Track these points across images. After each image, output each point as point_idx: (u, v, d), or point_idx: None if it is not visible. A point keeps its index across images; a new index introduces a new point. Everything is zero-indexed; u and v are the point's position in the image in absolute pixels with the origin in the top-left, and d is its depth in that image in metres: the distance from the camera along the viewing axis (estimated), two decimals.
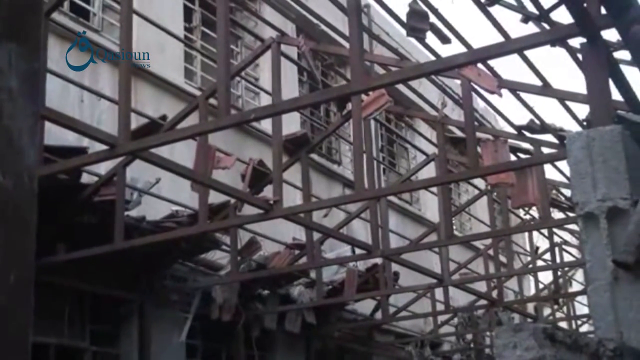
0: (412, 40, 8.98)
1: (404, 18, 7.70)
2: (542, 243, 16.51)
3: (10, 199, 1.27)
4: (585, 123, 6.84)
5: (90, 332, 9.70)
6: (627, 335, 3.54)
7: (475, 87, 8.07)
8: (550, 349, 2.58)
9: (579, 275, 18.53)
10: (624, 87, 5.88)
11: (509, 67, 8.41)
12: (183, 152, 9.45)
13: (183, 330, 10.33)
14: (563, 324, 16.59)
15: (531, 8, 6.84)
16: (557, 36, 5.58)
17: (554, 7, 6.19)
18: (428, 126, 15.46)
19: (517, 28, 7.24)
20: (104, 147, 6.65)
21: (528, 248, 16.00)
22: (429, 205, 17.03)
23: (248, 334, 11.48)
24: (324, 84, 14.57)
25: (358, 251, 11.45)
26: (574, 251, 17.13)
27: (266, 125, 11.86)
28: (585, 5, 5.21)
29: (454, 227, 13.64)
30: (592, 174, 3.82)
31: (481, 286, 13.90)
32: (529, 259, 17.10)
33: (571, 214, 12.52)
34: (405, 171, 16.09)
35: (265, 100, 12.56)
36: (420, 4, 7.15)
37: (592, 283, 3.72)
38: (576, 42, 7.42)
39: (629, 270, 3.63)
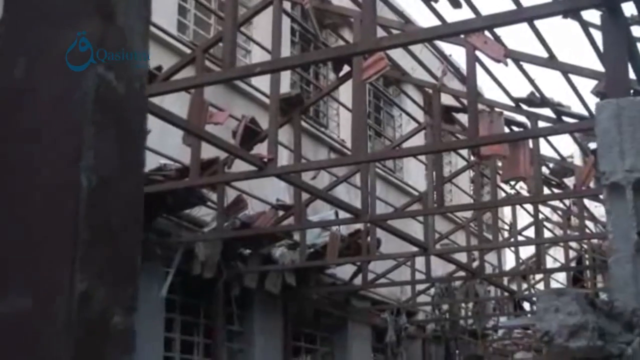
0: (411, 6, 8.86)
1: None
2: (519, 219, 16.54)
3: (123, 106, 1.16)
4: (598, 95, 6.78)
5: None
6: None
7: (478, 55, 7.98)
8: (592, 316, 2.52)
9: (552, 251, 18.62)
10: (637, 63, 5.83)
11: (508, 38, 8.32)
12: (172, 107, 9.27)
13: (164, 285, 10.23)
14: None
15: None
16: (577, 5, 5.49)
17: None
18: (418, 94, 15.41)
19: None
20: None
21: (508, 222, 16.08)
22: (412, 173, 17.00)
23: (228, 292, 11.42)
24: (315, 46, 14.42)
25: (342, 215, 11.40)
26: (550, 227, 17.23)
27: (257, 83, 11.74)
28: None
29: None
30: (620, 144, 3.75)
31: (460, 257, 13.92)
32: (506, 234, 17.19)
33: (557, 191, 12.56)
34: (392, 139, 16.04)
35: (257, 58, 12.39)
36: None
37: (614, 254, 3.66)
38: (588, 16, 7.37)
39: None
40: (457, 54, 13.05)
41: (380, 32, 8.98)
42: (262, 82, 10.67)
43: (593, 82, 8.14)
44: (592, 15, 6.99)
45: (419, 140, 15.01)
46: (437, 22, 7.85)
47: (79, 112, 1.11)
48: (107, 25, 1.16)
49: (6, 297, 1.12)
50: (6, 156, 1.16)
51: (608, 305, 2.72)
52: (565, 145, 16.68)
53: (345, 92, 12.30)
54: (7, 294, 1.12)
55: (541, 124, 9.13)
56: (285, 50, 13.08)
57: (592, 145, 19.25)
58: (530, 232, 14.72)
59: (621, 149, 3.76)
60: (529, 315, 18.97)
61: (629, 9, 5.98)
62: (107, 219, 1.14)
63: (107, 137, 1.14)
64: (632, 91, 5.33)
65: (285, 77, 12.86)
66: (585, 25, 7.08)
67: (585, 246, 16.06)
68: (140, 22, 1.20)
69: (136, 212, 1.21)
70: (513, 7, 6.75)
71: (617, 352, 2.59)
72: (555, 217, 18.02)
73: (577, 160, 22.95)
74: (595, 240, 15.68)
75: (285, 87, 12.34)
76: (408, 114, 13.43)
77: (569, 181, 21.02)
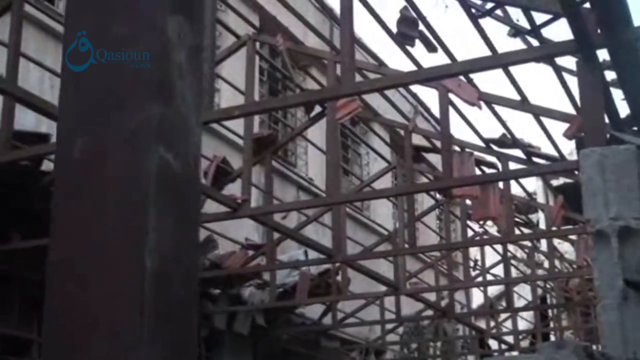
0: (382, 48, 8.90)
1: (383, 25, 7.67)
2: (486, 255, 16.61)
3: (179, 185, 1.16)
4: (572, 139, 6.88)
5: (39, 323, 9.44)
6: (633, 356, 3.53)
7: (450, 97, 8.06)
8: None
9: (518, 289, 18.72)
10: (611, 107, 5.93)
11: (478, 79, 8.42)
12: None
13: None
14: (509, 338, 16.75)
15: (522, 22, 6.85)
16: (553, 52, 5.58)
17: (548, 22, 6.22)
18: (385, 132, 15.50)
19: (498, 41, 7.23)
20: None
21: (474, 258, 16.13)
22: (380, 212, 17.04)
23: (197, 333, 11.29)
24: (284, 85, 14.48)
25: (313, 255, 11.36)
26: (514, 263, 17.32)
27: (227, 122, 11.70)
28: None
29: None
30: (605, 192, 3.80)
31: (428, 295, 13.93)
32: (473, 272, 17.22)
33: (526, 231, 12.65)
34: (359, 177, 16.09)
35: (226, 98, 12.38)
36: (410, 11, 7.11)
37: (601, 301, 3.70)
38: (562, 61, 7.48)
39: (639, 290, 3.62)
40: (426, 93, 13.18)
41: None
42: (232, 122, 10.66)
43: (563, 123, 8.22)
44: (564, 59, 7.11)
45: (386, 178, 15.07)
46: (408, 64, 7.94)
47: (143, 193, 1.11)
48: (167, 106, 1.17)
49: None
50: (69, 237, 1.15)
51: (604, 356, 2.74)
52: (529, 183, 16.87)
53: (313, 131, 12.34)
54: None
55: (511, 164, 9.22)
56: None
57: (555, 183, 19.47)
58: (498, 270, 14.81)
59: (605, 197, 3.81)
60: (495, 354, 18.99)
61: (601, 55, 6.10)
62: (169, 301, 1.14)
63: (166, 217, 1.14)
64: (608, 135, 5.41)
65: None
66: (558, 70, 7.20)
67: (551, 284, 16.16)
68: (195, 98, 1.21)
69: (192, 293, 1.21)
70: (487, 51, 6.85)
71: None
72: (519, 253, 18.13)
73: (540, 198, 23.19)
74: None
75: (254, 126, 12.33)
76: (377, 152, 13.49)
77: (533, 217, 21.22)
